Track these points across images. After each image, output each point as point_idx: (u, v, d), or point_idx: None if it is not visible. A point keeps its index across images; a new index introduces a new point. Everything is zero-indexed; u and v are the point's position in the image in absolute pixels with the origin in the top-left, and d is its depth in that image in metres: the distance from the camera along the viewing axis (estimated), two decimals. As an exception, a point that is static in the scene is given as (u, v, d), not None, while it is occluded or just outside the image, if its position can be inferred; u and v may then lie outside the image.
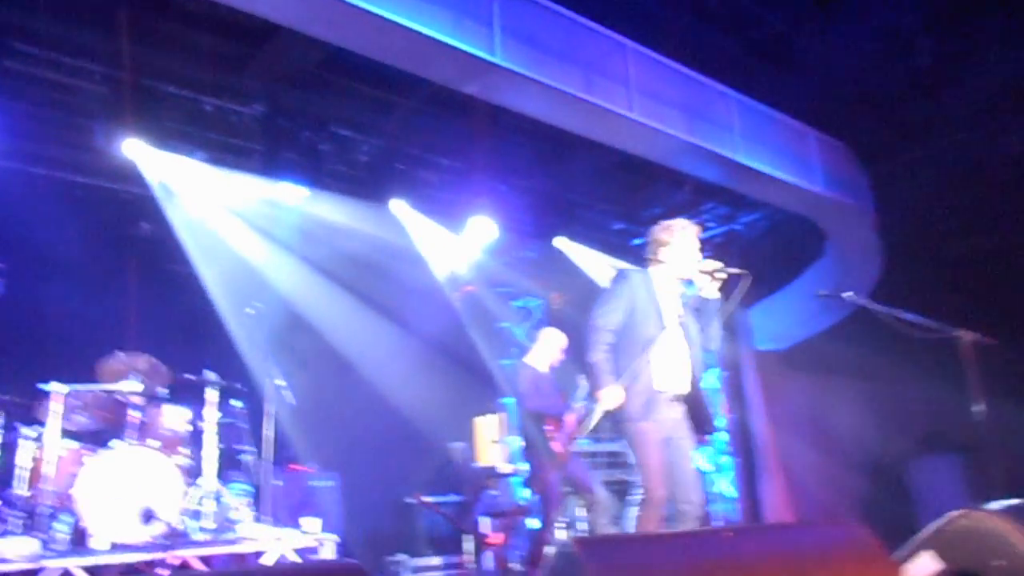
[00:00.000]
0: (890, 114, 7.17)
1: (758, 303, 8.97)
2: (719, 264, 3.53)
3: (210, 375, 5.68)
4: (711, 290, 3.56)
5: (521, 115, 5.60)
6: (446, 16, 4.76)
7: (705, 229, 9.04)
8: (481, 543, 4.83)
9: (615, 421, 3.48)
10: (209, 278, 6.78)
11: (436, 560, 7.08)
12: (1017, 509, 3.60)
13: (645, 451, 3.36)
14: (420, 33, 4.56)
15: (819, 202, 7.00)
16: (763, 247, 8.74)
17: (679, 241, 3.66)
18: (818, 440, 8.60)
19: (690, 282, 3.65)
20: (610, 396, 3.38)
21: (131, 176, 6.04)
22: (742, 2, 6.35)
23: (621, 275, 3.68)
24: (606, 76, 5.52)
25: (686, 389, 3.52)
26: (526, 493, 7.55)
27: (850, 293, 4.40)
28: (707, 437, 3.65)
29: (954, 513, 2.32)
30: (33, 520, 4.54)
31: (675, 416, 3.47)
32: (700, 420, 3.53)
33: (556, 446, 4.60)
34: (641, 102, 5.62)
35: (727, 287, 3.57)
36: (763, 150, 6.47)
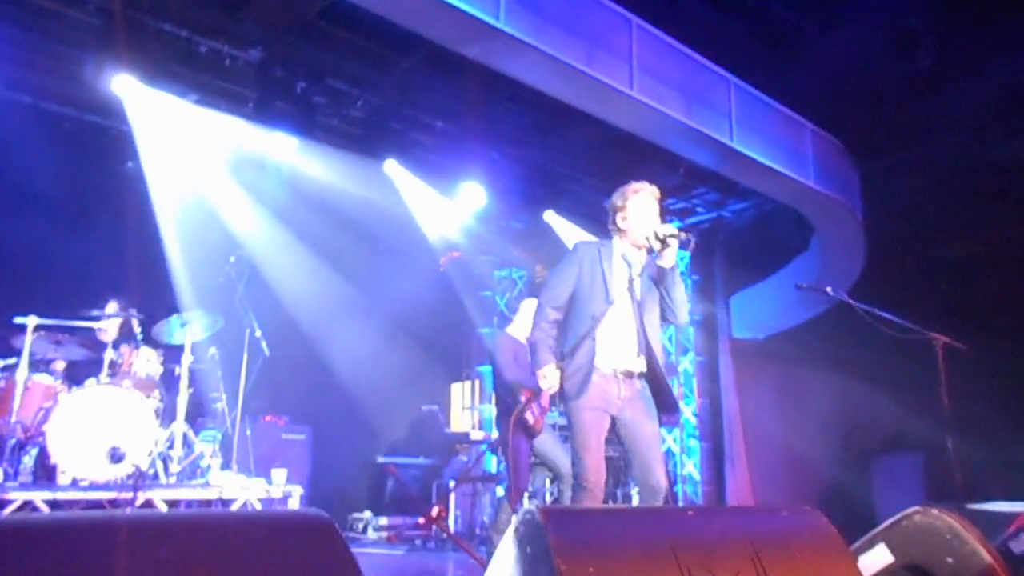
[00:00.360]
0: (886, 114, 7.19)
1: (739, 292, 9.05)
2: (671, 228, 3.22)
3: (186, 318, 5.65)
4: (667, 258, 3.24)
5: (518, 83, 5.55)
6: (452, -24, 4.68)
7: (694, 213, 9.13)
8: (426, 516, 4.81)
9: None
10: (184, 223, 6.70)
11: (401, 520, 7.17)
12: (971, 510, 3.69)
13: (579, 433, 3.13)
14: (424, -9, 4.49)
15: (809, 195, 7.03)
16: (749, 236, 8.79)
17: (634, 205, 3.34)
18: (787, 430, 8.74)
19: (652, 250, 3.33)
20: (546, 376, 3.19)
21: (119, 112, 5.94)
22: (751, -12, 6.30)
23: (572, 249, 3.44)
24: (609, 51, 5.48)
25: (639, 367, 3.25)
26: (494, 460, 7.65)
27: (830, 288, 4.44)
28: (672, 418, 3.47)
29: (910, 509, 2.37)
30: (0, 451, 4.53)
31: (625, 395, 3.18)
32: (658, 401, 3.26)
33: (529, 417, 4.63)
34: (642, 80, 5.59)
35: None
36: (758, 139, 6.47)
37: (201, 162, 6.67)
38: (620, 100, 5.57)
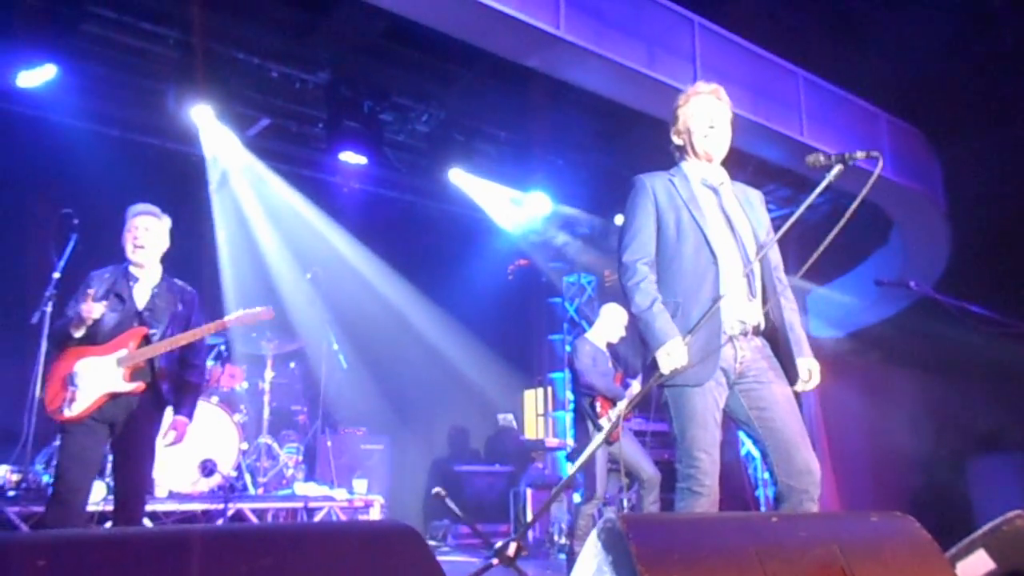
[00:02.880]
0: (966, 97, 6.87)
1: (817, 289, 8.78)
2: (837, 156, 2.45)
3: (267, 335, 5.87)
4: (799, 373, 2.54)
5: (580, 89, 5.55)
6: (511, -13, 4.73)
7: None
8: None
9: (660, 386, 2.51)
10: (269, 243, 6.96)
11: (480, 527, 7.23)
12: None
13: (691, 424, 2.40)
14: (483, 3, 4.55)
15: (886, 187, 6.77)
16: (824, 231, 8.50)
17: (688, 112, 2.67)
18: (872, 432, 8.43)
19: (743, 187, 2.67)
20: (671, 353, 2.35)
21: (198, 139, 6.22)
22: (814, -23, 6.14)
23: (634, 186, 2.68)
24: (671, 51, 5.43)
25: (755, 318, 2.53)
26: (569, 466, 7.64)
27: (913, 283, 4.28)
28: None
29: (1012, 514, 2.26)
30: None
31: (744, 356, 2.47)
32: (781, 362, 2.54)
33: (605, 424, 4.61)
34: (706, 78, 5.48)
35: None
36: (830, 131, 6.28)
37: (276, 183, 6.92)
38: (684, 101, 5.50)
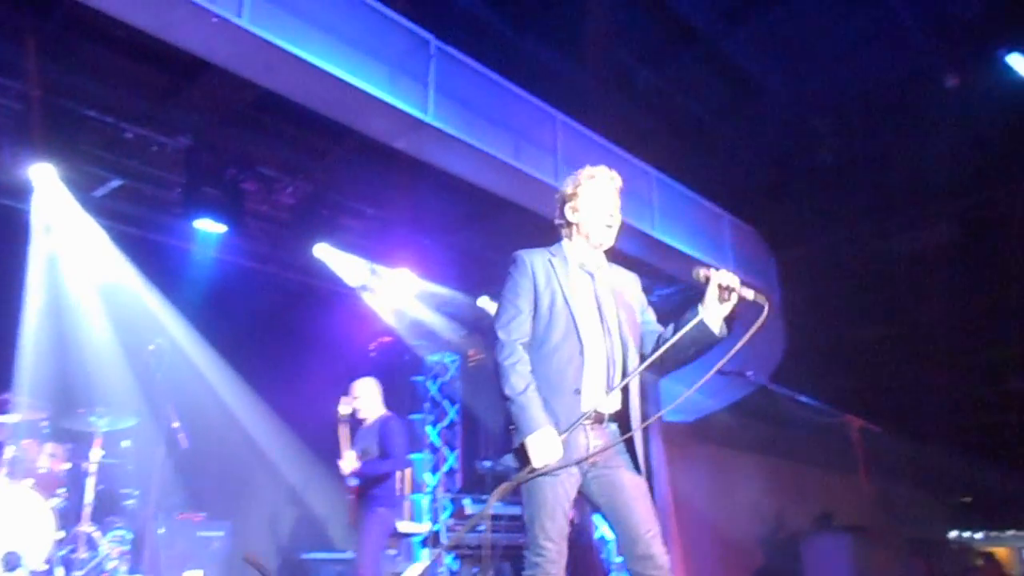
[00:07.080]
0: (797, 205, 7.63)
1: (668, 375, 9.19)
2: (735, 279, 2.48)
3: (99, 411, 5.39)
4: (715, 317, 2.57)
5: (448, 173, 5.67)
6: (382, 71, 4.84)
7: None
8: None
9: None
10: (104, 311, 6.46)
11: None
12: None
13: (540, 512, 2.38)
14: (354, 86, 4.61)
15: (729, 282, 7.28)
16: (677, 319, 9.00)
17: (589, 192, 2.69)
18: (719, 512, 8.77)
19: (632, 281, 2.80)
20: (542, 444, 2.34)
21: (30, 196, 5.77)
22: (665, 87, 6.69)
23: (515, 261, 2.65)
24: (534, 144, 5.69)
25: (611, 407, 2.54)
26: (423, 553, 7.40)
27: (751, 373, 4.57)
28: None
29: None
30: None
31: (595, 444, 2.47)
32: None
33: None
34: (566, 171, 5.76)
35: (735, 316, 2.59)
36: (679, 228, 6.74)
37: (113, 253, 6.47)
38: (545, 191, 5.73)
